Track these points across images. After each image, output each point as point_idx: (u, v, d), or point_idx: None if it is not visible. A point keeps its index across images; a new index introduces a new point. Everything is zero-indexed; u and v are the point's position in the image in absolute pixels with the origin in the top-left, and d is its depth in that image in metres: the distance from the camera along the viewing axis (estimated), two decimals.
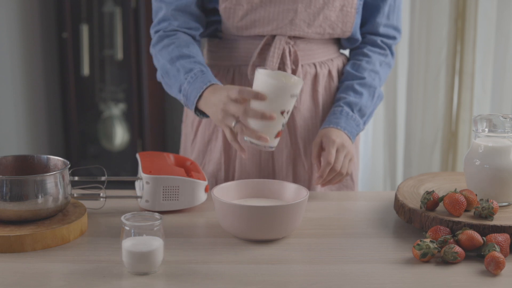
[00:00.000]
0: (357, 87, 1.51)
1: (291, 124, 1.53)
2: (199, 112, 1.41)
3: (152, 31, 1.54)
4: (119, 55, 3.20)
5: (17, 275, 1.09)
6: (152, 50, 1.52)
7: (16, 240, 1.16)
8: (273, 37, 1.49)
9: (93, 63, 3.26)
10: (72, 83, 3.23)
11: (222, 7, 1.47)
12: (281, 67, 1.50)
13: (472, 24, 2.69)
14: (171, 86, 1.45)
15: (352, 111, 1.49)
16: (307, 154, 1.54)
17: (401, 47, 2.82)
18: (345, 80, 1.54)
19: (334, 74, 1.56)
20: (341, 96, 1.51)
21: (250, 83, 1.49)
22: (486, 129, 1.30)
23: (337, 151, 1.40)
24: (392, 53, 1.60)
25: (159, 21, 1.51)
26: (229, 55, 1.53)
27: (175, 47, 1.45)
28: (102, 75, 3.29)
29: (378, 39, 1.57)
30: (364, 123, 1.52)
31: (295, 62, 1.51)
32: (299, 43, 1.51)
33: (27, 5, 3.14)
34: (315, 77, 1.54)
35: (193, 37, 1.50)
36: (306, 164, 1.54)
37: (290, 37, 1.49)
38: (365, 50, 1.56)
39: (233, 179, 1.52)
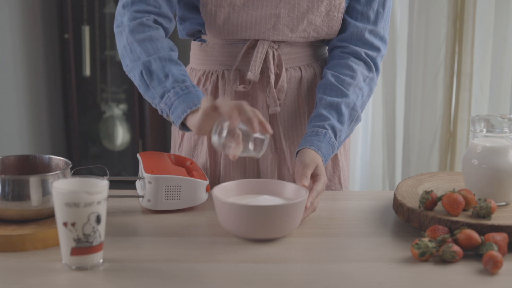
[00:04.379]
0: (343, 108, 1.42)
1: (275, 128, 1.51)
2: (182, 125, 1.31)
3: (124, 10, 1.41)
4: None
5: (19, 274, 1.09)
6: (129, 37, 1.38)
7: (18, 239, 1.17)
8: (256, 41, 1.46)
9: (95, 63, 3.27)
10: (73, 83, 3.24)
11: (203, 10, 1.44)
12: (265, 71, 1.47)
13: (470, 25, 2.70)
14: (150, 88, 1.35)
15: (335, 137, 1.41)
16: (292, 158, 1.52)
17: (400, 48, 2.83)
18: (327, 92, 1.45)
19: (319, 78, 1.53)
20: (324, 115, 1.42)
21: (233, 88, 1.48)
22: (484, 129, 1.31)
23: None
24: (377, 69, 1.50)
25: (133, 1, 1.40)
26: (212, 59, 1.51)
27: (160, 45, 1.37)
28: (103, 76, 3.30)
29: (362, 51, 1.48)
30: (337, 150, 1.44)
31: (279, 66, 1.48)
32: (283, 46, 1.48)
33: (29, 7, 3.15)
34: (300, 81, 1.51)
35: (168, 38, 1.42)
36: (291, 168, 1.52)
37: (274, 41, 1.46)
38: (349, 62, 1.46)
39: (218, 183, 1.50)
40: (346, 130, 1.44)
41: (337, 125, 1.41)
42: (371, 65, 1.49)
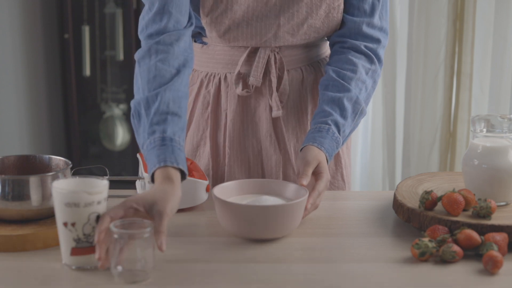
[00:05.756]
0: (345, 103, 1.41)
1: (279, 129, 1.50)
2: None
3: (141, 36, 1.37)
4: (120, 55, 3.20)
5: (19, 274, 1.10)
6: (136, 66, 1.34)
7: (18, 239, 1.17)
8: (258, 46, 1.46)
9: (95, 63, 3.27)
10: (73, 83, 3.24)
11: (204, 21, 1.44)
12: (267, 74, 1.47)
13: (470, 25, 2.69)
14: (137, 132, 1.30)
15: (338, 132, 1.40)
16: (297, 158, 1.50)
17: (400, 48, 2.83)
18: (329, 88, 1.44)
19: (321, 77, 1.52)
20: (326, 111, 1.41)
21: (235, 91, 1.48)
22: (484, 129, 1.31)
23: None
24: (379, 60, 1.48)
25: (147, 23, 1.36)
26: (214, 61, 1.50)
27: (161, 78, 1.30)
28: (103, 76, 3.29)
29: (362, 45, 1.47)
30: (342, 144, 1.44)
31: (281, 69, 1.48)
32: (284, 49, 1.48)
33: (29, 7, 3.15)
34: (302, 81, 1.51)
35: (184, 40, 1.36)
36: (296, 168, 1.50)
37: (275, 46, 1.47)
38: (350, 56, 1.45)
39: None
40: (350, 124, 1.43)
41: (340, 120, 1.40)
42: (372, 57, 1.48)
